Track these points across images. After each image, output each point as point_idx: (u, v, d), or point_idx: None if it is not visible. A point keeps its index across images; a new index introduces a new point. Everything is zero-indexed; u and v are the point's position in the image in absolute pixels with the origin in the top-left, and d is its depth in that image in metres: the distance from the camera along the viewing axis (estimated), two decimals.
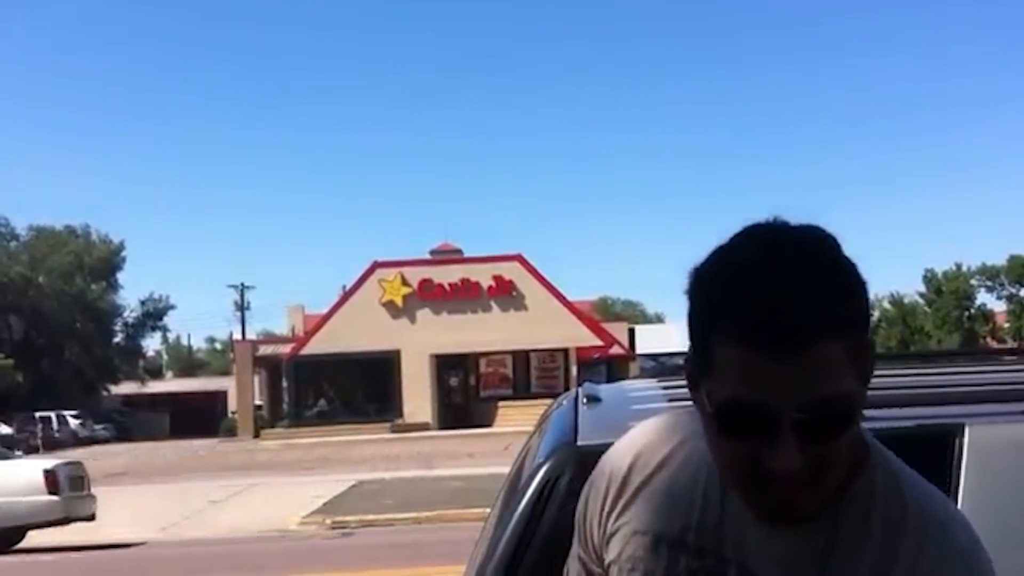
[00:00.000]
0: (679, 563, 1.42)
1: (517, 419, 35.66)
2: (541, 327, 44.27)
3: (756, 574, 1.37)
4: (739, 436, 1.25)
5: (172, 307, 72.64)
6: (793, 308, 1.20)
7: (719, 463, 1.33)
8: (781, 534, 1.33)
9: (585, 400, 2.54)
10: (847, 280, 1.28)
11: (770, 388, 1.21)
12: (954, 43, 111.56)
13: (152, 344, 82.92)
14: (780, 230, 1.32)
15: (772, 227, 1.33)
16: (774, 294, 1.21)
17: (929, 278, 76.73)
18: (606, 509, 1.52)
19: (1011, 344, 57.70)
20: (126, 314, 70.08)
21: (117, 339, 69.04)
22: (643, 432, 1.56)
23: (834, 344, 1.21)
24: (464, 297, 45.87)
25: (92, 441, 52.44)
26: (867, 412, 2.43)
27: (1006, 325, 74.06)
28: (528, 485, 2.23)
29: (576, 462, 2.13)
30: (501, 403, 45.29)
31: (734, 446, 1.26)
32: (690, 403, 1.42)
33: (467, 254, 49.81)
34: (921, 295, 78.60)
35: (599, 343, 45.34)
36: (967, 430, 2.35)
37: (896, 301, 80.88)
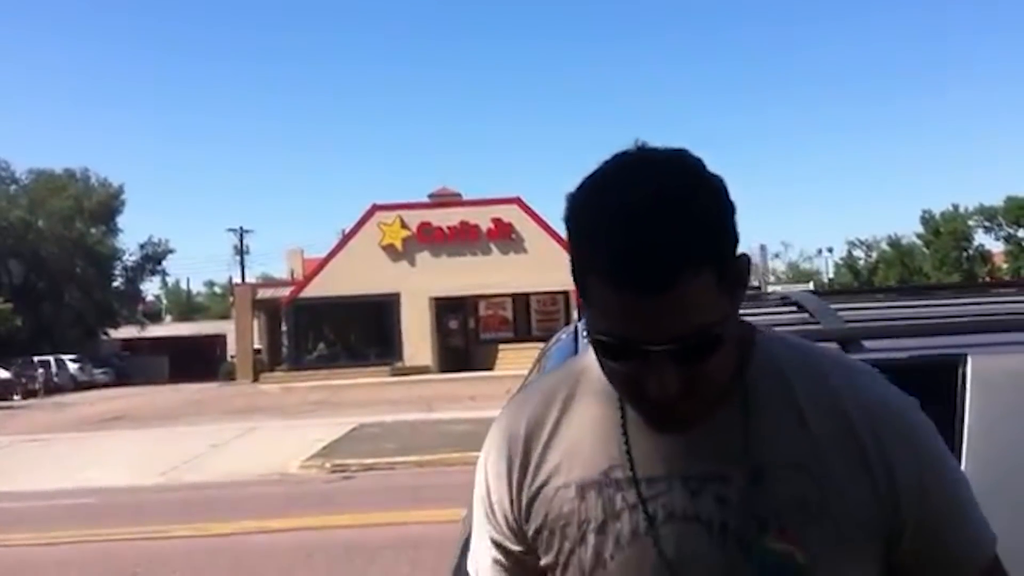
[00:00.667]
0: (615, 502, 1.44)
1: (517, 362, 35.75)
2: (541, 270, 44.24)
3: (701, 476, 1.41)
4: (617, 361, 1.33)
5: (171, 251, 72.82)
6: (656, 253, 1.25)
7: (606, 377, 1.39)
8: (701, 432, 1.40)
9: (585, 335, 2.54)
10: (712, 210, 1.31)
11: (640, 326, 1.28)
12: None
13: (151, 288, 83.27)
14: (644, 163, 1.36)
15: (636, 160, 1.37)
16: (637, 239, 1.26)
17: (927, 219, 76.89)
18: (515, 481, 1.52)
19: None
20: (125, 258, 70.18)
21: (116, 283, 69.16)
22: (522, 401, 1.60)
23: (698, 279, 1.27)
24: (463, 240, 45.86)
25: (91, 385, 52.76)
26: (871, 343, 2.45)
27: (1004, 266, 74.30)
28: None
29: None
30: (501, 346, 45.46)
31: (615, 368, 1.34)
32: None
33: (466, 197, 49.67)
34: (919, 236, 78.79)
35: None
36: (969, 360, 2.39)
37: (894, 243, 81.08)
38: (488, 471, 1.58)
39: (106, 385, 53.65)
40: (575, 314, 32.23)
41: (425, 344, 45.95)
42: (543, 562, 1.51)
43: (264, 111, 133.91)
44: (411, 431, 20.95)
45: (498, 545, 1.57)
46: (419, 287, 45.37)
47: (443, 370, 44.52)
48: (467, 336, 48.43)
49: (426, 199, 49.71)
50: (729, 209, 1.34)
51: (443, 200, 48.98)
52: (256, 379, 46.64)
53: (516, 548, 1.55)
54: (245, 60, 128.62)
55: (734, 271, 1.34)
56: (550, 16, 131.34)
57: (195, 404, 34.69)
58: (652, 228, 1.26)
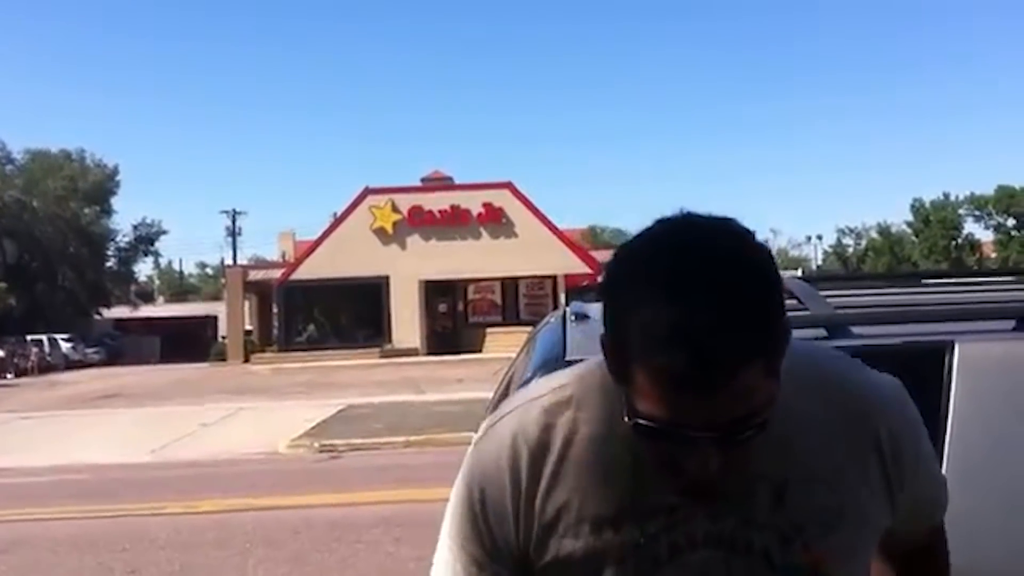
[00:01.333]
0: (632, 532, 1.39)
1: (505, 345, 35.73)
2: (530, 254, 44.30)
3: (722, 516, 1.39)
4: (660, 445, 1.27)
5: (164, 232, 72.58)
6: (713, 346, 1.19)
7: (644, 449, 1.31)
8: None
9: (573, 317, 2.57)
10: (765, 291, 1.26)
11: (688, 417, 1.22)
12: None
13: (144, 269, 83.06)
14: (695, 238, 1.29)
15: (686, 234, 1.30)
16: (692, 334, 1.19)
17: (917, 208, 77.07)
18: (521, 517, 1.43)
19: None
20: (119, 239, 69.92)
21: (110, 263, 68.95)
22: (517, 424, 1.48)
23: (753, 368, 1.22)
24: (454, 224, 45.81)
25: (84, 364, 52.64)
26: (861, 329, 2.43)
27: (993, 255, 74.51)
28: None
29: None
30: (489, 329, 45.49)
31: (657, 451, 1.29)
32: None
33: (458, 182, 49.60)
34: (909, 225, 78.99)
35: (588, 271, 45.33)
36: (957, 347, 2.40)
37: (884, 231, 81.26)
38: (484, 494, 1.47)
39: (98, 364, 53.53)
40: (563, 298, 32.42)
41: (414, 326, 45.94)
42: None
43: (259, 95, 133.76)
44: (399, 412, 20.93)
45: (481, 567, 1.49)
46: (409, 270, 45.33)
47: (431, 352, 44.53)
48: (456, 319, 48.45)
49: (418, 183, 49.61)
50: (780, 280, 1.30)
51: (435, 184, 48.91)
52: (247, 360, 46.56)
53: (504, 572, 1.48)
54: (241, 43, 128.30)
55: (781, 352, 1.29)
56: (553, 7, 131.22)
57: (186, 384, 34.63)
58: (711, 312, 1.20)
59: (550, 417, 1.46)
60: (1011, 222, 73.45)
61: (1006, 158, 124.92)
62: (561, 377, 1.53)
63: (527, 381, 2.22)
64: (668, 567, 1.39)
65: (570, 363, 1.91)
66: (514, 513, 1.43)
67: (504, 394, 2.47)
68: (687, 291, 1.21)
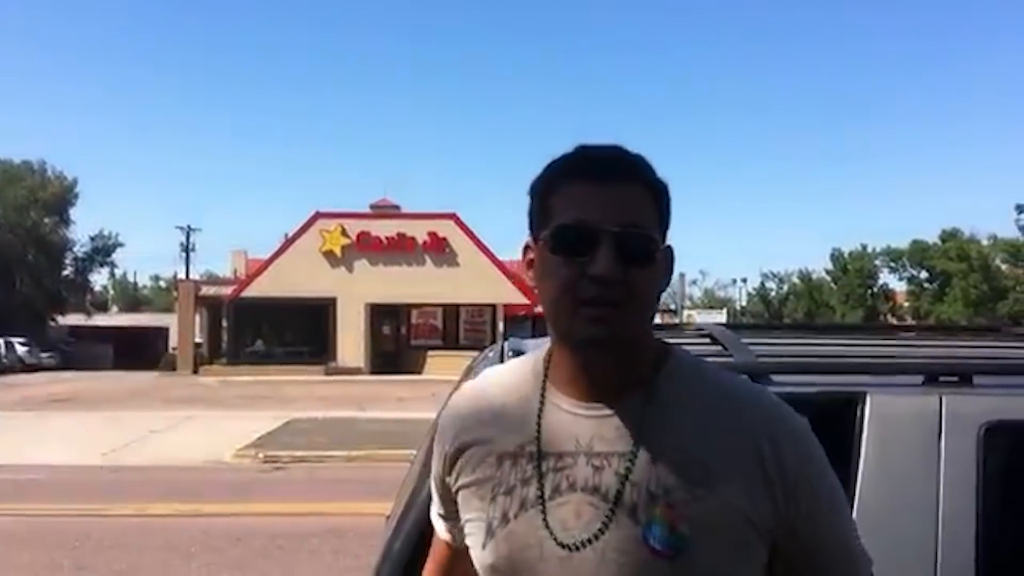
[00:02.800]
0: (524, 470, 1.56)
1: (444, 368, 35.73)
2: (471, 283, 44.32)
3: (604, 454, 1.52)
4: (569, 253, 1.49)
5: (120, 245, 71.34)
6: (614, 157, 1.55)
7: (552, 297, 1.53)
8: (611, 417, 1.54)
9: (511, 354, 2.58)
10: (655, 172, 1.57)
11: (595, 211, 1.48)
12: (871, 39, 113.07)
13: (99, 279, 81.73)
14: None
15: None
16: (601, 152, 1.55)
17: (836, 257, 78.16)
18: (449, 447, 1.68)
19: (910, 322, 58.88)
20: (76, 249, 68.77)
21: (66, 272, 67.72)
22: (467, 389, 1.75)
23: (644, 191, 1.53)
24: (400, 251, 45.68)
25: (38, 368, 51.66)
26: (781, 377, 2.48)
27: (905, 304, 75.60)
28: None
29: None
30: (430, 352, 45.31)
31: (565, 268, 1.49)
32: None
33: (405, 210, 49.52)
34: (828, 272, 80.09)
35: (526, 301, 45.45)
36: (868, 398, 2.43)
37: (804, 277, 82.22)
38: (438, 432, 1.74)
39: (52, 368, 52.53)
40: (501, 326, 32.25)
41: (358, 347, 45.68)
42: (463, 517, 1.65)
43: (218, 118, 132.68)
44: (341, 427, 20.82)
45: (441, 497, 1.76)
46: (356, 293, 45.10)
47: (375, 372, 44.30)
48: (399, 341, 48.21)
49: (367, 209, 49.44)
50: (668, 190, 1.58)
51: (383, 212, 48.77)
52: (196, 371, 45.97)
53: (449, 504, 1.72)
54: (201, 69, 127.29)
55: (666, 224, 1.56)
56: (496, 43, 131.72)
57: (137, 391, 34.14)
58: (614, 151, 1.56)
59: (496, 376, 1.73)
60: (923, 275, 74.50)
61: (921, 213, 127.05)
62: (518, 358, 1.76)
63: None
64: (548, 503, 1.52)
65: None
66: (443, 443, 1.70)
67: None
68: (598, 149, 1.57)
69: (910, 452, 2.38)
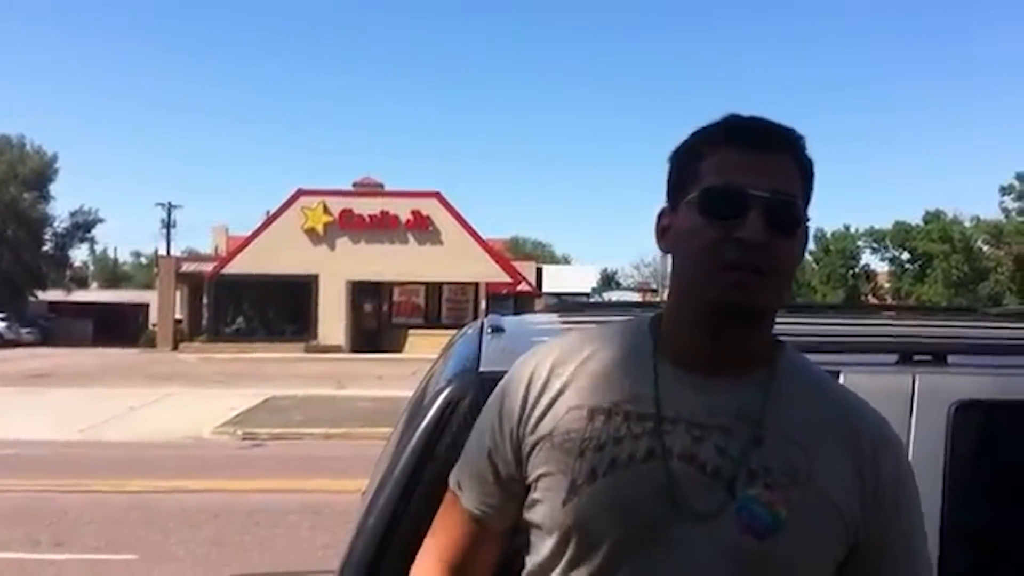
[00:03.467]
0: (620, 428, 1.52)
1: (425, 346, 35.64)
2: (454, 262, 44.26)
3: (706, 425, 1.50)
4: (717, 215, 1.49)
5: (101, 220, 70.82)
6: (766, 126, 1.54)
7: (693, 259, 1.52)
8: (721, 391, 1.52)
9: (490, 330, 2.56)
10: (804, 147, 1.58)
11: (746, 176, 1.49)
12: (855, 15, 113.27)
13: (80, 255, 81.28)
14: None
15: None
16: (752, 121, 1.55)
17: (819, 237, 78.33)
18: (532, 394, 1.59)
19: (890, 303, 59.20)
20: (56, 224, 68.31)
21: (46, 248, 67.31)
22: (554, 344, 1.67)
23: (793, 163, 1.54)
24: (382, 228, 45.57)
25: (17, 344, 51.43)
26: None
27: (886, 285, 75.91)
28: (430, 407, 2.22)
29: (477, 387, 2.13)
30: (411, 331, 45.30)
31: (710, 230, 1.49)
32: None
33: (388, 188, 49.40)
34: (810, 252, 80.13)
35: (508, 280, 45.47)
36: (842, 377, 2.37)
37: None
38: (504, 396, 1.64)
39: (31, 344, 52.34)
40: (483, 304, 32.24)
41: (339, 324, 45.61)
42: (534, 474, 1.57)
43: (200, 94, 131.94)
44: (320, 404, 20.86)
45: (493, 465, 1.63)
46: (337, 270, 44.98)
47: (355, 350, 44.21)
48: (380, 319, 48.14)
49: (350, 187, 49.31)
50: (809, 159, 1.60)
51: (366, 190, 48.62)
52: (175, 348, 45.83)
53: (507, 471, 1.62)
54: (183, 45, 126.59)
55: (808, 199, 1.57)
56: (482, 19, 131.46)
57: (116, 368, 34.03)
58: (764, 121, 1.55)
59: (595, 334, 1.68)
60: (905, 256, 74.79)
61: (904, 194, 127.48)
62: (610, 322, 1.73)
63: (441, 390, 2.25)
64: (640, 466, 1.49)
65: (483, 374, 1.96)
66: (525, 391, 1.61)
67: (420, 399, 2.46)
68: (742, 119, 1.56)
69: None
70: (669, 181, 1.61)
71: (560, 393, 1.57)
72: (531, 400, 1.59)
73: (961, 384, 2.46)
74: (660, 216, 1.63)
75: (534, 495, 1.57)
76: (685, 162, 1.57)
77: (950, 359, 2.53)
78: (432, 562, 1.70)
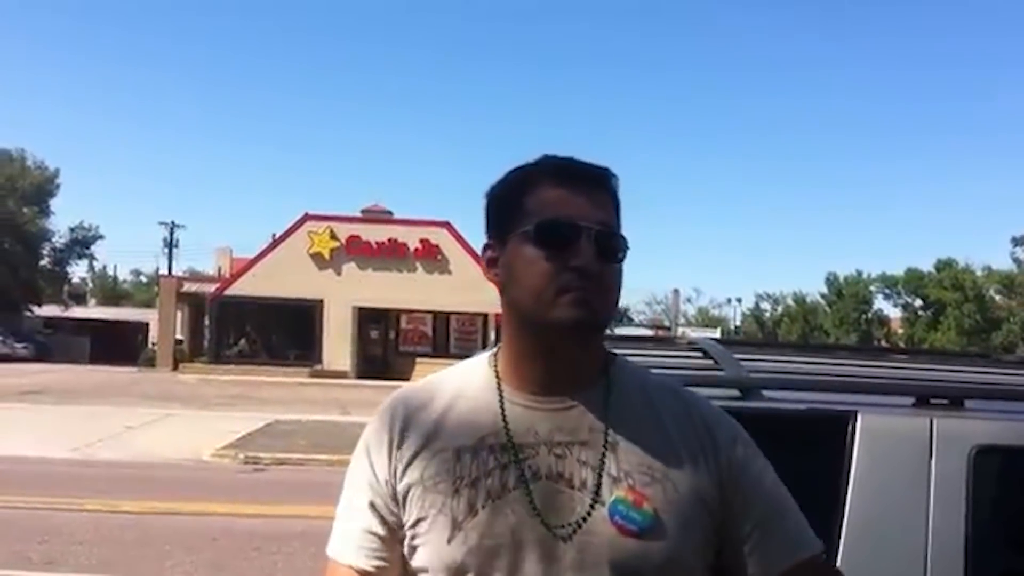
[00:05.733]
0: (487, 462, 1.64)
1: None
2: (463, 291, 44.14)
3: (565, 443, 1.64)
4: (552, 247, 1.62)
5: (100, 237, 70.70)
6: (585, 165, 1.71)
7: (531, 287, 1.64)
8: (569, 409, 1.66)
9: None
10: (616, 185, 1.74)
11: (578, 211, 1.64)
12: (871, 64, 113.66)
13: (78, 271, 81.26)
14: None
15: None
16: (570, 160, 1.71)
17: (831, 281, 78.76)
18: (395, 444, 1.70)
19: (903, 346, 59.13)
20: (55, 240, 68.34)
21: (44, 262, 67.34)
22: (411, 386, 1.81)
23: (610, 198, 1.70)
24: (390, 256, 45.58)
25: (12, 359, 51.45)
26: (772, 393, 2.52)
27: (900, 331, 75.98)
28: None
29: None
30: (419, 359, 45.11)
31: (547, 261, 1.62)
32: None
33: (397, 216, 49.42)
34: (823, 296, 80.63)
35: None
36: (859, 417, 2.48)
37: (799, 299, 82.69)
38: (371, 439, 1.74)
39: (26, 360, 52.38)
40: (492, 335, 32.17)
41: (345, 350, 45.58)
42: (411, 520, 1.65)
43: (206, 114, 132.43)
44: (325, 430, 20.81)
45: (374, 510, 1.70)
46: (343, 295, 44.97)
47: (361, 376, 44.15)
48: (387, 346, 48.08)
49: (358, 213, 49.38)
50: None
51: (374, 216, 48.68)
52: (175, 368, 45.76)
53: (389, 512, 1.69)
54: (201, 64, 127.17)
55: (626, 240, 1.71)
56: (492, 50, 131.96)
57: (114, 386, 33.99)
58: (579, 161, 1.71)
59: (439, 380, 1.79)
60: (918, 303, 75.01)
61: (916, 242, 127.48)
62: (458, 364, 1.84)
63: None
64: (513, 492, 1.61)
65: None
66: (389, 442, 1.70)
67: None
68: (559, 159, 1.72)
69: (901, 472, 2.44)
70: (489, 216, 1.75)
71: (423, 438, 1.68)
72: (395, 449, 1.69)
73: (980, 428, 2.52)
74: (485, 249, 1.76)
75: (415, 541, 1.65)
76: (508, 198, 1.71)
77: (967, 403, 2.60)
78: None
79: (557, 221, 1.63)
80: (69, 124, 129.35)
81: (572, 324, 1.61)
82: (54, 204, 66.61)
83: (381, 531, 1.70)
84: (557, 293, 1.61)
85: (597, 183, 1.70)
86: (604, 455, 1.63)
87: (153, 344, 53.04)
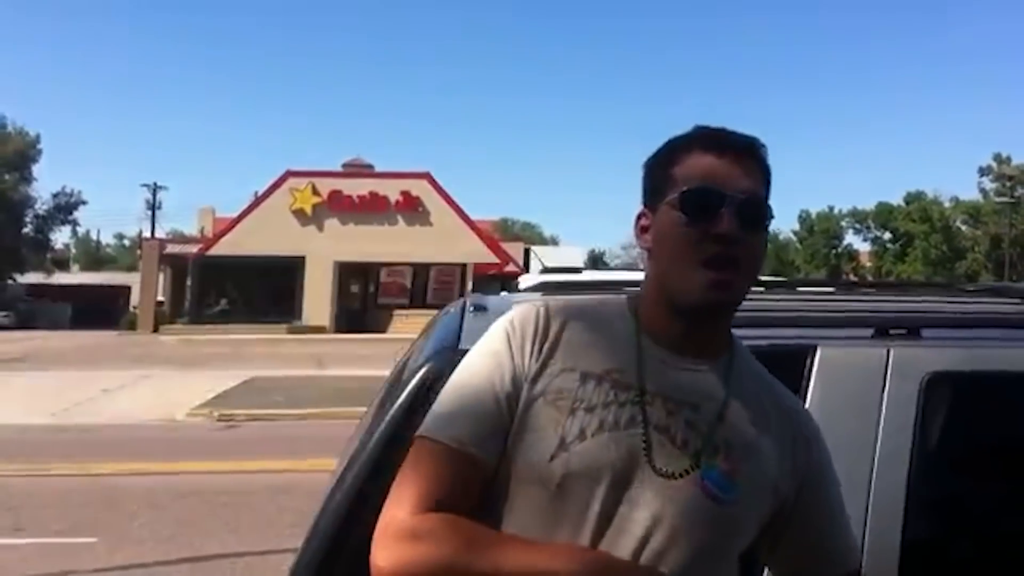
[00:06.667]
0: (608, 394, 1.67)
1: (409, 327, 35.51)
2: (443, 243, 44.27)
3: (679, 401, 1.69)
4: (696, 214, 1.66)
5: (83, 202, 70.56)
6: (735, 135, 1.74)
7: (673, 255, 1.69)
8: (692, 372, 1.72)
9: (472, 309, 2.62)
10: (766, 156, 1.78)
11: (720, 179, 1.68)
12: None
13: (61, 237, 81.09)
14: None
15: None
16: (721, 130, 1.75)
17: (803, 218, 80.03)
18: (532, 352, 1.71)
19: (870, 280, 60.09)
20: (37, 206, 67.97)
21: (26, 230, 67.07)
22: (546, 302, 1.81)
23: (758, 168, 1.74)
24: (372, 210, 45.57)
25: None
26: (735, 331, 2.44)
27: (868, 264, 77.65)
28: (407, 384, 2.27)
29: (456, 365, 2.01)
30: (396, 311, 45.23)
31: (691, 228, 1.66)
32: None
33: (378, 169, 49.30)
34: (795, 233, 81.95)
35: (496, 260, 45.47)
36: (818, 351, 2.50)
37: (771, 237, 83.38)
38: (514, 333, 1.74)
39: (9, 328, 52.26)
40: (470, 285, 32.28)
41: (325, 306, 45.55)
42: (522, 427, 1.66)
43: (187, 73, 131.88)
44: (301, 385, 20.85)
45: (496, 402, 1.68)
46: (325, 251, 44.93)
47: (339, 330, 44.20)
48: (365, 300, 48.18)
49: (339, 168, 49.23)
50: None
51: (355, 170, 48.54)
52: (156, 330, 45.65)
53: (507, 411, 1.67)
54: (170, 26, 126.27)
55: (769, 206, 1.76)
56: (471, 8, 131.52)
57: (93, 350, 33.89)
58: (731, 131, 1.75)
59: (584, 305, 1.82)
60: (887, 236, 76.48)
61: (888, 176, 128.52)
62: (602, 297, 1.90)
63: (420, 367, 2.30)
64: (621, 432, 1.64)
65: (464, 351, 1.91)
66: (535, 344, 1.71)
67: (399, 376, 2.46)
68: (712, 129, 1.76)
69: (854, 401, 2.45)
70: (645, 186, 1.78)
71: (553, 349, 1.71)
72: (534, 352, 1.71)
73: (933, 356, 2.53)
74: (639, 217, 1.78)
75: (519, 447, 1.66)
76: (660, 168, 1.75)
77: (924, 332, 2.61)
78: (413, 507, 1.63)
79: (702, 189, 1.67)
80: (49, 89, 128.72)
81: (707, 306, 1.68)
82: (36, 170, 66.26)
83: (492, 418, 1.68)
84: (700, 263, 1.65)
85: (746, 152, 1.73)
86: (714, 423, 1.69)
87: (134, 307, 52.95)
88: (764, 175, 1.75)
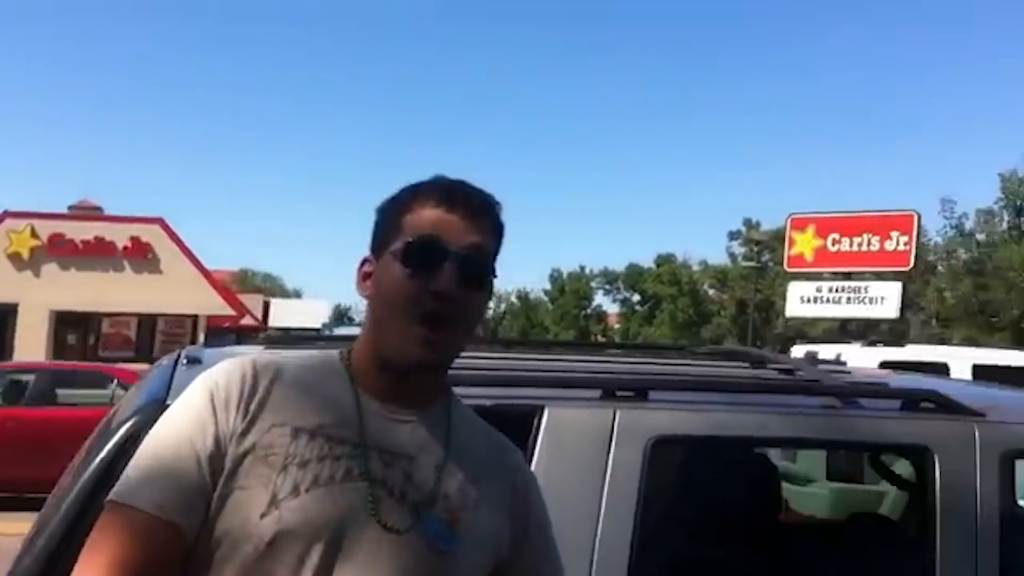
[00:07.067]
0: (322, 448, 1.64)
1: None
2: (174, 292, 42.82)
3: (395, 453, 1.69)
4: (417, 268, 1.66)
5: None
6: (472, 190, 1.75)
7: (389, 307, 1.69)
8: (407, 423, 1.73)
9: (185, 361, 2.57)
10: (500, 213, 1.79)
11: (445, 231, 1.68)
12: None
13: None
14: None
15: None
16: (457, 183, 1.76)
17: (555, 278, 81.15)
18: (237, 411, 1.65)
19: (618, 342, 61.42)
20: None
21: None
22: (250, 358, 1.76)
23: (491, 225, 1.75)
24: (96, 255, 43.58)
25: None
26: (459, 390, 2.50)
27: (616, 326, 79.21)
28: (111, 438, 2.22)
29: None
30: (120, 364, 43.39)
31: (408, 281, 1.66)
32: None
33: (108, 213, 47.40)
34: (546, 292, 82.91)
35: (232, 312, 44.50)
36: (546, 411, 2.53)
37: (522, 296, 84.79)
38: (217, 391, 1.68)
39: None
40: (201, 338, 31.30)
41: (38, 356, 43.14)
42: (230, 485, 1.60)
43: None
44: None
45: (198, 463, 1.62)
46: (41, 299, 42.41)
47: None
48: (85, 352, 45.92)
49: (65, 210, 47.06)
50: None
51: (82, 213, 46.44)
52: None
53: (211, 473, 1.62)
54: None
55: (495, 259, 1.77)
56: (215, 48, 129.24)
57: None
58: (468, 185, 1.76)
59: (291, 360, 1.78)
60: (636, 297, 78.17)
61: (640, 239, 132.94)
62: (317, 353, 1.87)
63: (126, 420, 2.25)
64: (337, 486, 1.62)
65: (167, 406, 1.85)
66: (241, 402, 1.66)
67: (107, 425, 2.39)
68: (448, 180, 1.77)
69: (580, 463, 2.48)
70: (375, 231, 1.78)
71: (261, 406, 1.66)
72: (240, 410, 1.65)
73: (659, 419, 2.58)
74: (363, 263, 1.78)
75: (227, 505, 1.60)
76: (391, 215, 1.75)
77: (651, 395, 2.65)
78: None
79: (426, 242, 1.67)
80: None
81: (416, 365, 1.69)
82: None
83: (194, 487, 1.61)
84: (413, 319, 1.66)
85: (479, 208, 1.73)
86: (431, 474, 1.70)
87: None
88: (496, 233, 1.75)
